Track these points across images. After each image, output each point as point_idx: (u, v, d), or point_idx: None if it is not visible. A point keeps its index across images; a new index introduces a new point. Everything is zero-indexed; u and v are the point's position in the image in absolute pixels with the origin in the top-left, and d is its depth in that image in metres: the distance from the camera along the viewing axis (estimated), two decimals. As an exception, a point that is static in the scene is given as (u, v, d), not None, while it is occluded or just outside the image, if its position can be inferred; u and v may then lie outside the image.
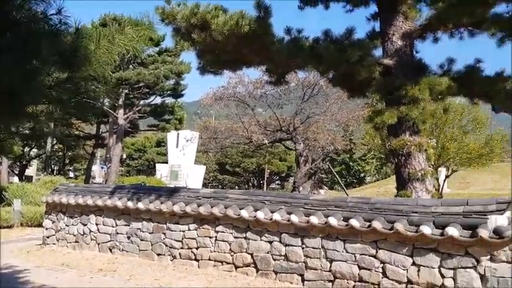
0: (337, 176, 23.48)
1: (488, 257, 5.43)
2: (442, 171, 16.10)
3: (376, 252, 6.23)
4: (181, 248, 8.10)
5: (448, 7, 7.53)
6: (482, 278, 5.44)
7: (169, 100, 30.12)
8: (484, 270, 5.43)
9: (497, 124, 18.86)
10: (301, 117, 23.86)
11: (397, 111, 7.18)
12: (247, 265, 7.32)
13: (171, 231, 8.23)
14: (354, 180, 47.87)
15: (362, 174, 49.52)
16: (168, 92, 28.70)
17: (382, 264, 6.16)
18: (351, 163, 47.75)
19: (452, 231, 5.52)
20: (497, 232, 5.35)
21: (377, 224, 6.10)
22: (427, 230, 5.70)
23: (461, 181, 22.55)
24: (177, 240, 8.17)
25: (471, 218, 5.65)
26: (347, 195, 14.21)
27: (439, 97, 7.51)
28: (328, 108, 23.88)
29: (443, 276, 5.67)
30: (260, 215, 7.19)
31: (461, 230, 5.60)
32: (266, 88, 20.47)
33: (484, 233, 5.33)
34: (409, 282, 5.89)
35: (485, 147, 14.48)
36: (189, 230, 8.05)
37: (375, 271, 6.20)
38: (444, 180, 15.83)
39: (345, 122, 23.35)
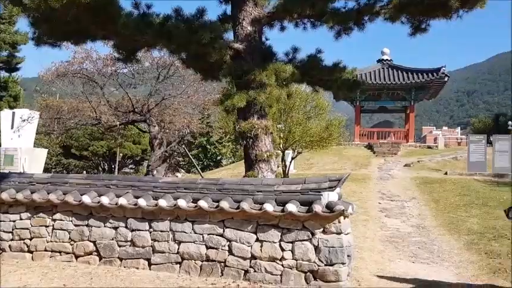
0: (192, 159, 23.53)
1: (321, 229, 5.98)
2: (289, 154, 17.32)
3: (223, 231, 6.38)
4: (12, 239, 7.20)
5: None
6: (316, 248, 5.97)
7: (2, 74, 26.47)
8: (318, 241, 5.96)
9: (336, 111, 21.04)
10: (156, 99, 23.17)
11: (246, 95, 7.40)
12: (89, 253, 6.84)
13: (-1, 221, 7.25)
14: (211, 163, 48.73)
15: (219, 157, 50.74)
16: (1, 64, 25.14)
17: (228, 243, 6.33)
18: (208, 146, 48.44)
19: (291, 207, 5.92)
20: (329, 207, 5.90)
21: (224, 204, 6.23)
22: (269, 207, 6.02)
23: (306, 162, 24.55)
24: (6, 232, 7.22)
25: (307, 194, 6.13)
26: (202, 177, 14.35)
27: (284, 83, 7.94)
28: (184, 90, 23.61)
29: (283, 250, 6.07)
30: (104, 200, 6.76)
31: (299, 206, 6.05)
32: (117, 66, 19.25)
33: (318, 208, 5.83)
34: (253, 257, 6.18)
35: (325, 131, 15.97)
36: (20, 219, 7.18)
37: (222, 249, 6.35)
38: (290, 162, 17.06)
39: (201, 105, 23.44)
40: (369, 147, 28.86)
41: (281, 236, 6.11)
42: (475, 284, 6.59)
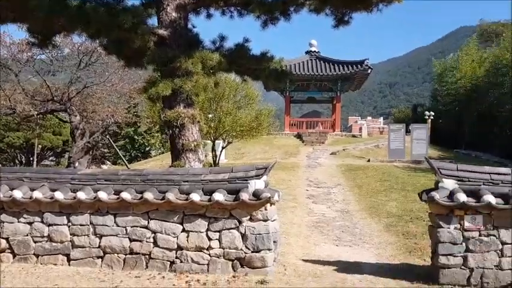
0: (118, 150, 22.66)
1: (249, 217, 6.01)
2: (220, 143, 17.23)
3: (148, 223, 6.21)
4: None
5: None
6: (243, 236, 6.00)
7: None
8: (245, 229, 5.99)
9: (267, 101, 21.28)
10: (78, 87, 22.01)
11: (172, 83, 7.21)
12: (2, 251, 6.36)
13: None
14: (139, 154, 47.30)
15: (147, 148, 49.36)
16: None
17: (153, 234, 6.18)
18: (135, 137, 46.91)
19: (219, 196, 5.89)
20: (255, 195, 5.95)
21: (148, 195, 6.05)
22: (196, 197, 5.93)
23: (238, 152, 24.63)
24: None
25: (235, 183, 6.13)
26: (128, 169, 13.85)
27: (211, 71, 7.85)
28: (108, 78, 22.61)
29: (210, 239, 6.03)
30: (17, 194, 6.29)
31: (227, 195, 6.03)
32: (34, 52, 17.99)
33: (245, 196, 5.85)
34: (179, 248, 6.08)
35: (255, 121, 16.08)
36: None
37: (147, 241, 6.18)
38: (221, 151, 16.98)
39: (127, 93, 22.59)
40: (298, 136, 29.58)
41: (208, 225, 6.06)
42: (393, 263, 6.99)
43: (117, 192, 6.25)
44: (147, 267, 6.16)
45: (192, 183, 6.17)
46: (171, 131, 7.51)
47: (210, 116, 15.06)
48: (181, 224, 6.11)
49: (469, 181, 5.79)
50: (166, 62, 7.29)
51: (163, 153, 40.63)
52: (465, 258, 5.61)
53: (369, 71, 30.99)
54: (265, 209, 5.96)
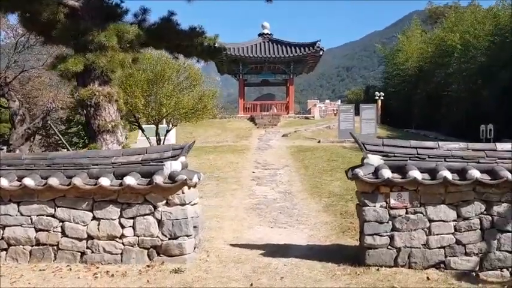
0: (59, 136, 21.51)
1: (164, 201, 5.57)
2: (164, 127, 16.55)
3: (55, 211, 5.65)
4: None
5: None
6: (159, 222, 5.55)
7: None
8: (161, 215, 5.55)
9: (226, 86, 20.73)
10: (16, 71, 20.71)
11: (84, 58, 6.58)
12: None
13: None
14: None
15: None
16: None
17: (61, 223, 5.63)
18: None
19: (130, 180, 5.40)
20: (171, 177, 5.50)
21: (53, 181, 5.48)
22: (105, 181, 5.42)
23: (189, 136, 24.07)
24: None
25: (149, 165, 5.66)
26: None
27: (129, 46, 7.24)
28: (47, 61, 21.45)
29: (123, 227, 5.56)
30: None
31: (140, 178, 5.55)
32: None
33: (159, 179, 5.39)
34: (90, 237, 5.57)
35: (200, 102, 15.51)
36: None
37: (54, 231, 5.63)
38: (165, 135, 16.28)
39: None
40: (251, 119, 29.25)
41: (121, 212, 5.57)
42: (324, 244, 6.75)
43: (20, 178, 5.64)
44: (55, 259, 5.62)
45: (102, 167, 5.64)
46: (85, 111, 6.90)
47: (152, 98, 14.37)
48: (91, 211, 5.59)
49: (395, 156, 5.56)
50: (77, 35, 6.63)
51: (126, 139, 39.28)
52: (392, 238, 5.36)
53: (321, 52, 30.88)
54: (183, 193, 5.53)
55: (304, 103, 58.33)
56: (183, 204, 5.53)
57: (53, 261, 5.60)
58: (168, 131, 16.30)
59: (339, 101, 55.32)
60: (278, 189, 11.63)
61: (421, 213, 5.37)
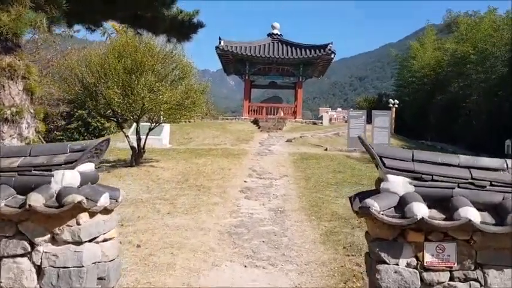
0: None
1: (48, 236, 3.37)
2: (147, 125, 14.34)
3: None
4: None
5: None
6: (38, 271, 3.36)
7: None
8: (41, 258, 3.36)
9: (202, 76, 18.77)
10: None
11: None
12: None
13: None
14: (93, 138, 43.99)
15: (104, 132, 46.07)
16: None
17: None
18: (89, 120, 43.50)
19: (-11, 199, 3.23)
20: (60, 196, 3.31)
21: None
22: None
23: (185, 137, 22.25)
24: None
25: (29, 175, 3.47)
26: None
27: (47, 2, 5.08)
28: (36, 52, 19.76)
29: (-22, 275, 3.38)
30: None
31: (15, 195, 3.38)
32: None
33: (36, 200, 3.21)
34: None
35: (187, 98, 13.29)
36: None
37: None
38: (147, 134, 14.00)
39: (45, 64, 19.47)
40: (255, 122, 27.23)
41: (-24, 249, 3.38)
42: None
43: None
44: None
45: (-47, 174, 3.47)
46: (-29, 89, 4.76)
47: (128, 90, 12.20)
48: None
49: (433, 180, 3.30)
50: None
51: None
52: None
53: (332, 55, 28.82)
54: (78, 224, 3.33)
55: (316, 110, 56.98)
56: (77, 243, 3.33)
57: None
58: (151, 129, 14.13)
59: (351, 109, 53.22)
60: (269, 205, 9.41)
61: (477, 280, 3.12)
